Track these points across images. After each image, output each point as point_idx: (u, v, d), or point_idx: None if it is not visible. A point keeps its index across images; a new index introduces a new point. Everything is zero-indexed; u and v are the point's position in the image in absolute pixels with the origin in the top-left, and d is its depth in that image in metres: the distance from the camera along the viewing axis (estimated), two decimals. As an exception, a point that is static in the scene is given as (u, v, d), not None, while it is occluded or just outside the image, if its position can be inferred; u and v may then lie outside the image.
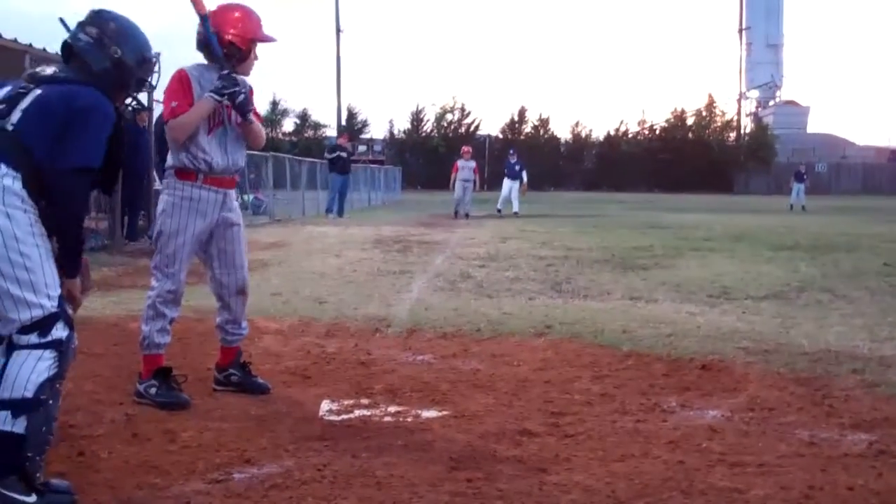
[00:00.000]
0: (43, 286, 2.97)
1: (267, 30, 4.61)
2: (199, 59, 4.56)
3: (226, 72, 4.37)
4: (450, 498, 3.18)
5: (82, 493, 3.17)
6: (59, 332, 2.99)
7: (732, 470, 3.51)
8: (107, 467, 3.48)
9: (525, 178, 26.77)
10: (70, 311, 3.11)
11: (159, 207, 4.61)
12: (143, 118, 13.33)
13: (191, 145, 4.45)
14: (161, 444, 3.81)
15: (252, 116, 4.55)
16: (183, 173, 4.51)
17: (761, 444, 3.85)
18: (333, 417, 4.34)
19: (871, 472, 3.49)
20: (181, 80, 4.44)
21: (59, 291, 3.03)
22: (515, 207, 25.84)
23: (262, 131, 4.82)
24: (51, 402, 2.96)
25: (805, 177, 35.97)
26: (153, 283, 4.55)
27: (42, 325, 2.96)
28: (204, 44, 4.49)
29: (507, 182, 26.71)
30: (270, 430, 4.07)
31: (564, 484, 3.35)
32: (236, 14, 4.46)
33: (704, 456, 3.69)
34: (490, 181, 43.91)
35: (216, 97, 4.37)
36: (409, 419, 4.29)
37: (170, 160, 4.57)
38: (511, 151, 29.23)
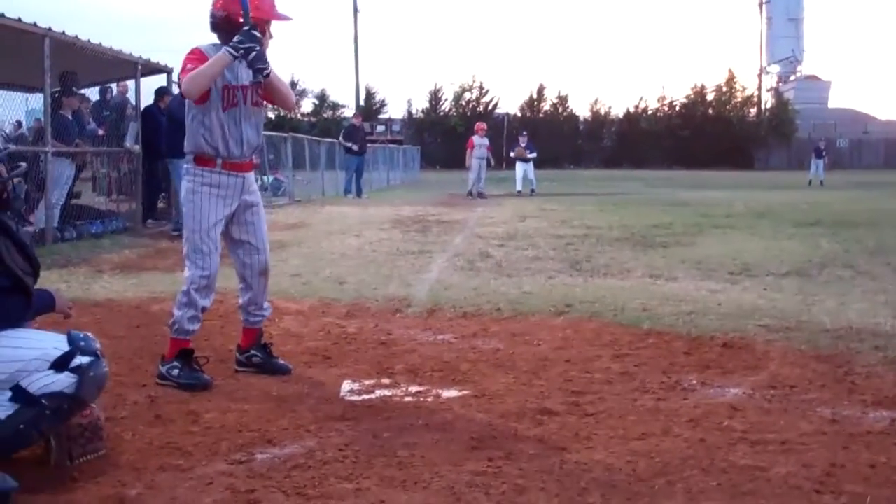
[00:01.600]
0: (41, 353, 3.09)
1: (281, 8, 4.60)
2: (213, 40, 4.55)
3: (247, 27, 4.32)
4: (471, 477, 3.19)
5: (105, 475, 3.21)
6: (78, 360, 3.11)
7: (754, 448, 3.50)
8: (130, 449, 3.51)
9: (534, 154, 26.75)
10: (87, 342, 3.19)
11: (181, 195, 4.63)
12: (166, 101, 13.40)
13: (204, 124, 4.47)
14: (184, 425, 3.84)
15: (270, 72, 4.44)
16: (202, 159, 4.53)
17: (783, 422, 3.84)
18: (354, 398, 4.36)
19: (893, 449, 3.47)
20: (195, 52, 4.43)
21: (55, 341, 3.14)
22: (533, 185, 25.74)
23: (288, 88, 4.80)
24: (48, 412, 3.04)
25: (824, 153, 35.73)
26: (186, 272, 4.55)
27: (59, 363, 3.09)
28: (218, 26, 4.49)
29: (519, 164, 26.53)
30: (292, 410, 4.09)
31: (585, 462, 3.35)
32: None
33: (725, 434, 3.69)
34: (510, 159, 43.74)
35: (232, 51, 4.30)
36: (430, 399, 4.30)
37: (188, 145, 4.57)
38: (523, 133, 29.05)
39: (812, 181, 33.53)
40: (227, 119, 4.50)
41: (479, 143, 25.10)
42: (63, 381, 3.05)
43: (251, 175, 4.73)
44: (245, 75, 4.52)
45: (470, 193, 24.36)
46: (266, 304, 4.88)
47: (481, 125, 26.70)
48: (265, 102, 4.74)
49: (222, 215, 4.55)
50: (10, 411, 3.00)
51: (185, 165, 4.63)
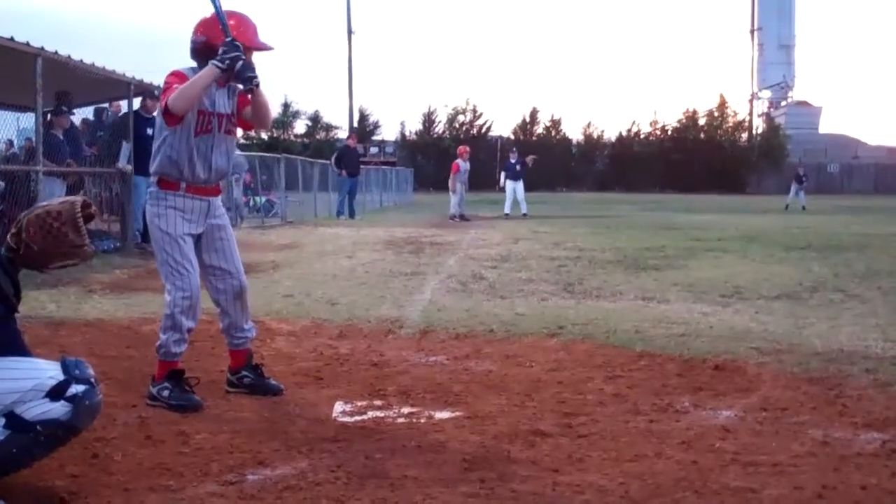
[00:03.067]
0: (36, 383, 3.08)
1: (263, 37, 4.56)
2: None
3: (228, 38, 4.30)
4: (463, 499, 3.18)
5: (96, 495, 3.19)
6: (73, 389, 3.10)
7: (746, 470, 3.50)
8: (120, 470, 3.49)
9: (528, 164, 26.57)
10: (81, 371, 3.19)
11: (147, 220, 4.61)
12: (149, 108, 13.37)
13: (172, 147, 4.44)
14: (174, 446, 3.82)
15: (259, 80, 4.39)
16: (166, 182, 4.51)
17: (774, 444, 3.84)
18: (346, 419, 4.34)
19: (884, 471, 3.47)
20: (177, 73, 4.40)
21: (50, 370, 3.12)
22: (524, 209, 25.50)
23: (270, 105, 4.75)
24: (42, 438, 3.04)
25: (804, 178, 35.87)
26: (167, 296, 4.52)
27: (55, 392, 3.08)
28: (198, 51, 4.48)
29: (509, 184, 26.14)
30: (283, 431, 4.08)
31: (577, 484, 3.34)
32: (231, 21, 4.40)
33: (718, 456, 3.68)
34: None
35: (218, 64, 4.27)
36: (423, 420, 4.30)
37: (153, 166, 4.54)
38: (513, 150, 28.86)
39: (790, 206, 33.60)
40: (197, 144, 4.48)
41: (465, 167, 25.00)
42: (58, 410, 3.04)
43: (217, 199, 4.71)
44: (221, 103, 4.52)
45: (461, 216, 24.05)
46: (248, 325, 4.85)
47: (465, 148, 26.46)
48: (239, 129, 4.75)
49: (190, 233, 4.53)
50: (3, 437, 2.99)
51: (150, 189, 4.60)
